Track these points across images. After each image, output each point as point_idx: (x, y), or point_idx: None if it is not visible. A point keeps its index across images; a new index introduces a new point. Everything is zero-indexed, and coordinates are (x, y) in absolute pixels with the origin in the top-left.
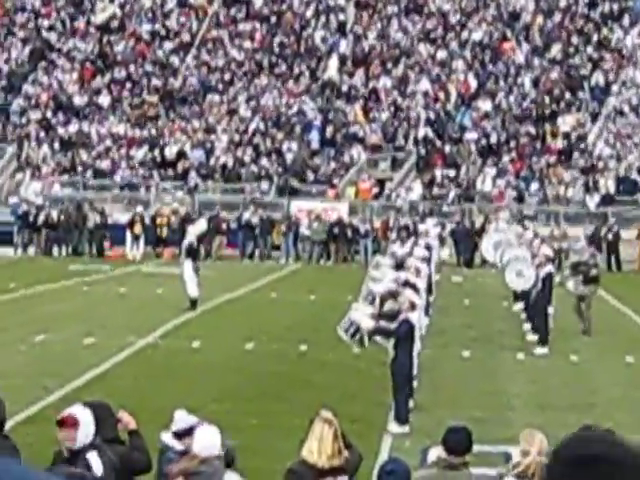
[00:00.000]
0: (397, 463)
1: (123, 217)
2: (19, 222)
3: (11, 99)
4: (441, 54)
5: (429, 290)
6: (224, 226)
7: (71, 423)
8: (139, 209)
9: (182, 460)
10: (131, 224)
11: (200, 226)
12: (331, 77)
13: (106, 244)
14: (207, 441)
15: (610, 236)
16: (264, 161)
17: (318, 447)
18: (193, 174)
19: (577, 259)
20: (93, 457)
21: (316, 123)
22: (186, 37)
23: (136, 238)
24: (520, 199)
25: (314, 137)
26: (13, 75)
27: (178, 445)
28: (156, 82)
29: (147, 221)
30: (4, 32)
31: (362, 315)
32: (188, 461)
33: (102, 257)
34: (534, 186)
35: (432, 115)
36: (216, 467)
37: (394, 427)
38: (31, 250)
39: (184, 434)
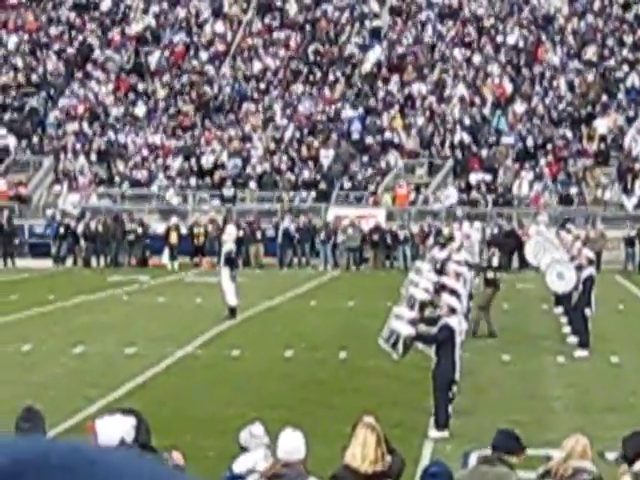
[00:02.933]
0: (440, 466)
1: (160, 227)
2: (57, 234)
3: (48, 111)
4: (476, 58)
5: (469, 295)
6: (259, 234)
7: None
8: (174, 220)
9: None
10: (167, 234)
11: (230, 233)
12: (369, 71)
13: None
14: (291, 446)
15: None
16: (301, 169)
17: (361, 452)
18: (229, 183)
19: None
20: None
21: (352, 129)
22: (221, 46)
23: (172, 248)
24: (564, 202)
25: (351, 143)
26: (49, 87)
27: None
28: (192, 92)
29: (184, 231)
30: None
31: (402, 323)
32: (272, 465)
33: (147, 267)
34: (572, 189)
35: (468, 120)
36: (299, 471)
37: (434, 432)
38: (70, 262)
39: None
